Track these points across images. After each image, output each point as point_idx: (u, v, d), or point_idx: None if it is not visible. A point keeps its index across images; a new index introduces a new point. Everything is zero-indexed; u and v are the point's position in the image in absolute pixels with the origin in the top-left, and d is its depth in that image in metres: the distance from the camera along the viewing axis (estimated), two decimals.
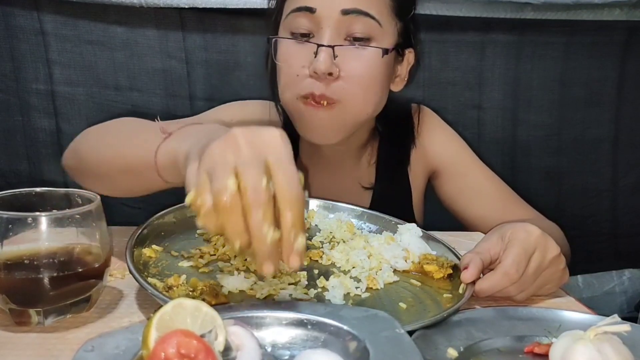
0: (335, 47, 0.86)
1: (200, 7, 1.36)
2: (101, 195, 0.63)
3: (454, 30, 1.47)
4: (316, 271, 0.73)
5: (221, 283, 0.65)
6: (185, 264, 0.71)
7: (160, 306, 0.45)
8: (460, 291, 0.69)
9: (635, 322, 0.62)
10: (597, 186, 1.61)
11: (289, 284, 0.68)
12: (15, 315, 0.59)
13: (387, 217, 0.90)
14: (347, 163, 1.06)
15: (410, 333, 0.55)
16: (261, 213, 0.46)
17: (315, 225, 0.88)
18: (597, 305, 1.53)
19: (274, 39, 0.91)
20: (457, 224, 1.08)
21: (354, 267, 0.75)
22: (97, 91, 1.45)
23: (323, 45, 0.85)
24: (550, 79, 1.53)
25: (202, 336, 0.43)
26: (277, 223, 0.47)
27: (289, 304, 0.58)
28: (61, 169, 1.51)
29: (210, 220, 0.47)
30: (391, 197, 1.06)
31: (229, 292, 0.65)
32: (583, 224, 1.59)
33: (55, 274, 0.57)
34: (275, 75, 0.94)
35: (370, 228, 0.90)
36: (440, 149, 1.08)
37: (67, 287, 0.58)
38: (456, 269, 0.74)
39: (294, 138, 1.04)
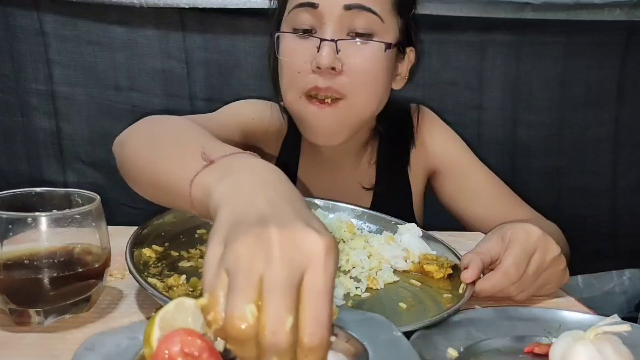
0: (338, 42, 0.86)
1: (201, 7, 1.36)
2: (101, 196, 0.62)
3: (454, 30, 1.47)
4: None
5: None
6: (185, 264, 0.71)
7: (161, 306, 0.45)
8: (460, 291, 0.69)
9: (635, 322, 0.62)
10: (597, 186, 1.61)
11: None
12: (15, 315, 0.58)
13: (387, 217, 0.90)
14: (348, 163, 1.06)
15: (410, 333, 0.55)
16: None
17: None
18: (597, 305, 1.52)
19: (276, 35, 0.91)
20: (457, 224, 1.08)
21: (354, 267, 0.75)
22: (97, 91, 1.45)
23: (326, 40, 0.85)
24: (550, 79, 1.53)
25: (204, 335, 0.43)
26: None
27: None
28: (61, 169, 1.53)
29: (222, 335, 0.40)
30: (391, 197, 1.06)
31: None
32: (583, 224, 1.59)
33: (55, 274, 0.57)
34: (277, 74, 0.94)
35: (370, 228, 0.90)
36: (440, 149, 1.08)
37: (67, 287, 0.58)
38: (456, 269, 0.74)
39: (296, 138, 1.05)
